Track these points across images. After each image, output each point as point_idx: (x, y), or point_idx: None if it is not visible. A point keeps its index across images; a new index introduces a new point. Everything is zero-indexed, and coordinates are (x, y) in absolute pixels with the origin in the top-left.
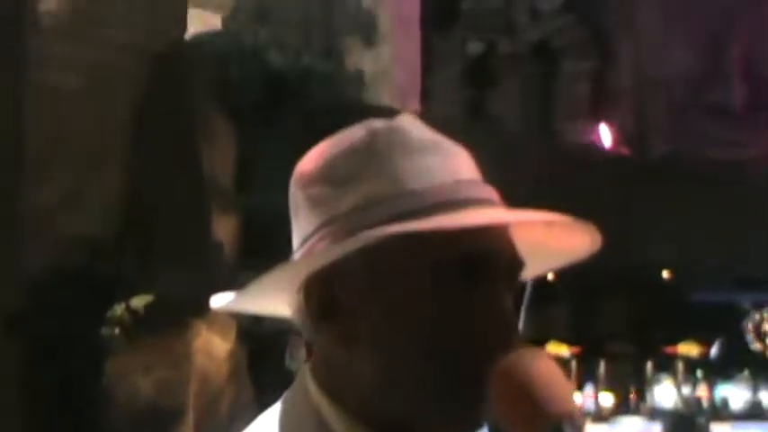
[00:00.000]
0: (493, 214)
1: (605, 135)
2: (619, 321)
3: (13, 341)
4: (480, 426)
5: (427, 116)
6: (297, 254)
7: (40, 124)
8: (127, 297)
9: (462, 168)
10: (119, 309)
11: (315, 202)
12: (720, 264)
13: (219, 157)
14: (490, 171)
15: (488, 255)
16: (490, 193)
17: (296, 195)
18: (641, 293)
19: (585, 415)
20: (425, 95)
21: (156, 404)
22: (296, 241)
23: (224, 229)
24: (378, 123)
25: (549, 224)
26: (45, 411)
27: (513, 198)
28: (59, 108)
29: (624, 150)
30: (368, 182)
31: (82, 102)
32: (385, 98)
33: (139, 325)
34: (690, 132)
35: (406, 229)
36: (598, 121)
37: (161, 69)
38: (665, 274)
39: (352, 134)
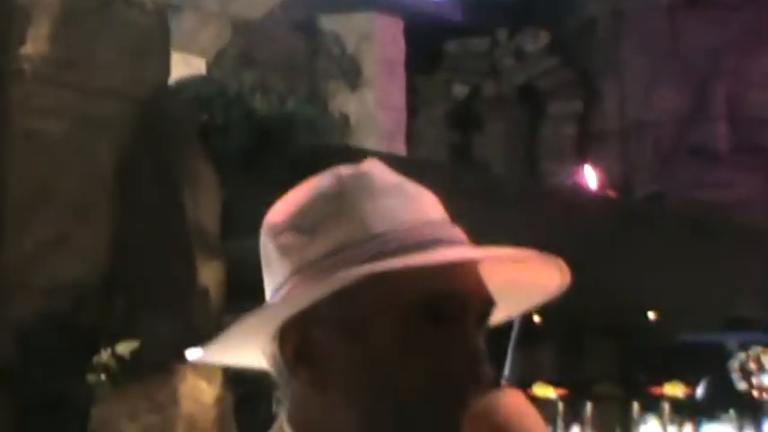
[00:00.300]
0: (460, 252)
1: (591, 177)
2: (605, 363)
3: (4, 391)
4: None
5: (412, 159)
6: (271, 300)
7: (22, 171)
8: (112, 343)
9: (429, 209)
10: (104, 355)
11: (285, 251)
12: (707, 305)
13: (204, 203)
14: (476, 213)
15: (457, 294)
16: (458, 233)
17: (266, 245)
18: (627, 335)
19: None
20: (410, 138)
21: None
22: (268, 290)
23: (209, 274)
24: (344, 169)
25: (518, 261)
26: None
27: (498, 240)
28: (42, 155)
29: (610, 192)
30: (336, 228)
31: (65, 149)
32: (370, 141)
33: (125, 371)
34: (676, 174)
35: (374, 269)
36: (584, 163)
37: (145, 114)
38: (652, 315)
39: (320, 181)
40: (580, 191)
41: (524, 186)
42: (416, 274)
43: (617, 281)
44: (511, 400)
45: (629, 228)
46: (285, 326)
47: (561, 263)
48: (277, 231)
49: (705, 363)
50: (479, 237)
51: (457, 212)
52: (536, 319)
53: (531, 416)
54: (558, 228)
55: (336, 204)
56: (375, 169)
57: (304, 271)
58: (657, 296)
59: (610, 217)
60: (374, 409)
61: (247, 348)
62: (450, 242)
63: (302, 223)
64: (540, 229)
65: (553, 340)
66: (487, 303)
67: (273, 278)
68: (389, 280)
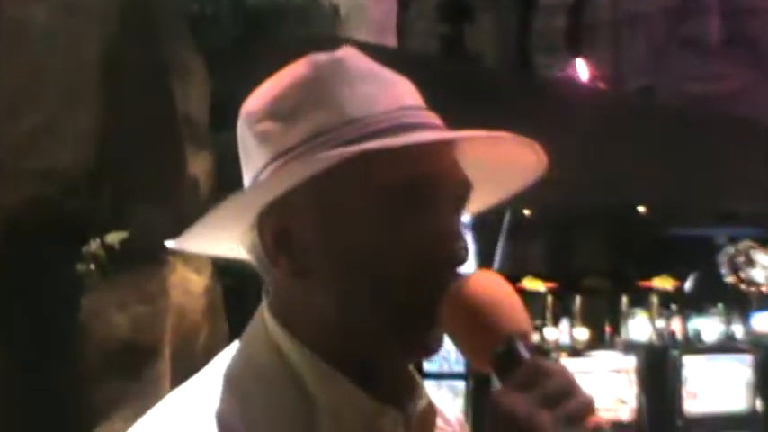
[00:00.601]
0: (436, 134)
1: (582, 70)
2: (594, 257)
3: None
4: (435, 351)
5: (403, 51)
6: (249, 187)
7: (11, 60)
8: (102, 233)
9: (405, 95)
10: (94, 245)
11: (263, 139)
12: (697, 199)
13: (193, 93)
14: (466, 106)
15: (434, 176)
16: (433, 118)
17: (244, 134)
18: (617, 229)
19: (559, 349)
20: (401, 30)
21: (133, 340)
22: (247, 179)
23: (198, 164)
24: (320, 57)
25: (494, 145)
26: (20, 348)
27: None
28: (30, 43)
29: (601, 85)
30: (313, 114)
31: (52, 37)
32: (360, 33)
33: (115, 261)
34: (667, 67)
35: (351, 151)
36: (576, 55)
37: (133, 4)
38: (642, 209)
39: (296, 69)
40: (571, 83)
41: (516, 79)
42: (393, 158)
43: (607, 174)
44: (489, 281)
45: (621, 121)
46: (264, 213)
47: (537, 146)
48: (254, 119)
49: (694, 257)
50: (470, 129)
51: (447, 106)
52: (526, 212)
53: (508, 295)
54: (548, 121)
55: (313, 91)
56: (350, 56)
57: (282, 157)
58: (648, 190)
59: (601, 110)
60: (353, 293)
61: (226, 237)
62: (426, 126)
63: (279, 110)
64: (531, 123)
65: (543, 234)
66: (464, 186)
67: (251, 166)
68: (366, 164)
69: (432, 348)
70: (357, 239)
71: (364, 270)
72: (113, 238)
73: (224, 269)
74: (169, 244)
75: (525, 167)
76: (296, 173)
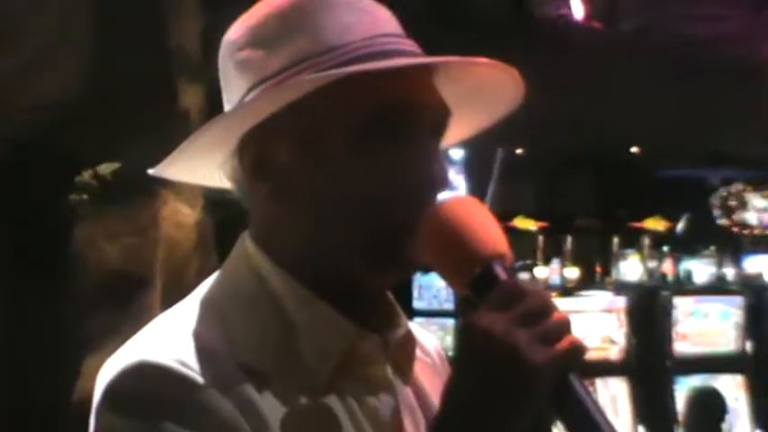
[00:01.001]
0: (415, 60)
1: (577, 8)
2: (586, 197)
3: None
4: (411, 273)
5: None
6: (228, 113)
7: None
8: (94, 164)
9: (385, 23)
10: (86, 175)
11: (243, 67)
12: (689, 140)
13: (186, 27)
14: (459, 44)
15: (411, 102)
16: (412, 45)
17: (225, 63)
18: (609, 169)
19: (550, 288)
20: None
21: (124, 270)
22: (227, 107)
23: (190, 97)
24: None
25: (472, 73)
26: (13, 278)
27: None
28: None
29: (595, 24)
30: (294, 41)
31: None
32: None
33: (107, 192)
34: (661, 7)
35: (330, 76)
36: None
37: None
38: (634, 149)
39: None
40: (566, 22)
41: (510, 17)
42: (372, 84)
43: (600, 114)
44: (466, 205)
45: (614, 61)
46: (243, 139)
47: (515, 73)
48: (235, 48)
49: (686, 198)
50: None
51: (440, 43)
52: (518, 152)
53: (486, 219)
54: (542, 60)
55: (293, 19)
56: None
57: (262, 84)
58: (641, 130)
59: (595, 50)
60: (330, 218)
61: (207, 163)
62: (404, 53)
63: (260, 38)
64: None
65: (535, 174)
66: (441, 110)
67: (232, 94)
68: (345, 90)
69: (404, 271)
70: (335, 166)
71: (342, 195)
72: (105, 169)
73: (215, 202)
74: (151, 171)
75: (504, 94)
76: (275, 98)
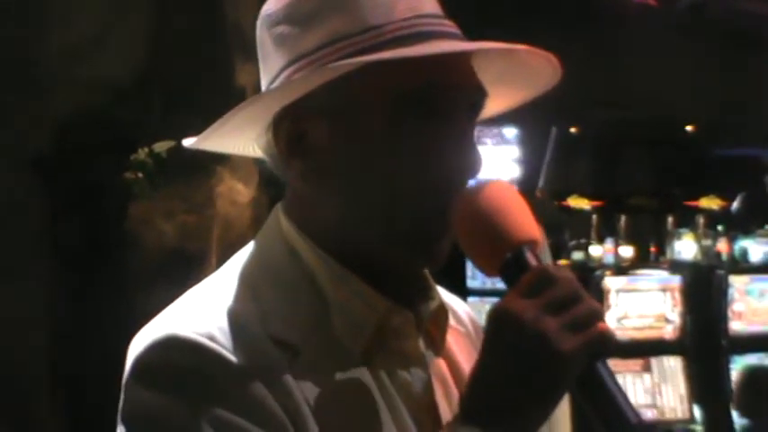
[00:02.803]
0: (453, 44)
1: None
2: (641, 176)
3: (43, 182)
4: (442, 259)
5: None
6: (265, 90)
7: None
8: (150, 142)
9: (424, 3)
10: (142, 153)
11: (280, 42)
12: (747, 118)
13: (242, 6)
14: (520, 23)
15: (449, 85)
16: (451, 26)
17: (262, 36)
18: (664, 148)
19: (604, 267)
20: None
21: (180, 248)
22: (264, 81)
23: (246, 76)
24: None
25: (510, 56)
26: (72, 255)
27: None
28: None
29: (651, 2)
30: (331, 19)
31: None
32: None
33: (163, 170)
34: None
35: (368, 60)
36: None
37: None
38: (689, 128)
39: None
40: (622, 0)
41: None
42: (410, 66)
43: (656, 92)
44: (499, 190)
45: (670, 38)
46: (279, 116)
47: (552, 57)
48: (273, 22)
49: (742, 177)
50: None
51: (503, 21)
52: (573, 130)
53: (519, 204)
54: (599, 39)
55: None
56: None
57: (299, 61)
58: (696, 109)
59: (651, 27)
60: (364, 199)
61: (244, 137)
62: (444, 35)
63: (297, 14)
64: (583, 40)
65: (589, 152)
66: (479, 93)
67: (269, 69)
68: (383, 71)
69: (437, 256)
70: (371, 145)
71: (377, 175)
72: (161, 147)
73: (270, 180)
74: (187, 142)
75: (540, 77)
76: (311, 79)
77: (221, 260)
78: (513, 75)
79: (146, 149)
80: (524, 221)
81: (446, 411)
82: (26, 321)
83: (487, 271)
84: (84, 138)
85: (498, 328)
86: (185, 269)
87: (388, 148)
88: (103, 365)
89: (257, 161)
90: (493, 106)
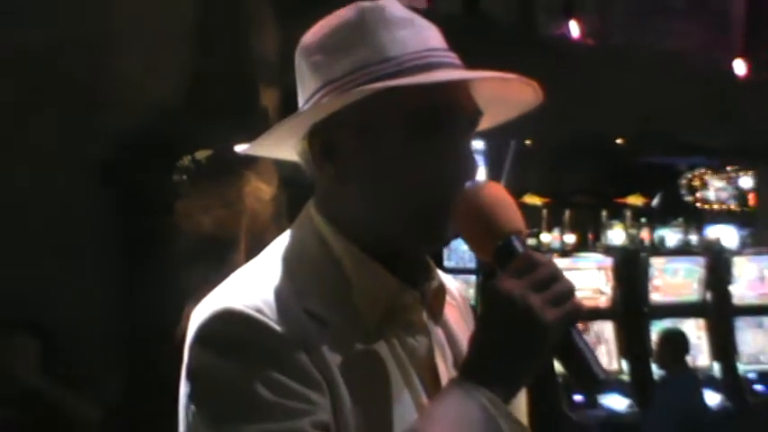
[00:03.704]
0: (455, 74)
1: (574, 29)
2: (581, 179)
3: (108, 182)
4: (446, 242)
5: (434, 10)
6: (302, 109)
7: (123, 9)
8: (192, 151)
9: (432, 39)
10: (186, 160)
11: (315, 68)
12: (664, 133)
13: (266, 41)
14: (481, 55)
15: (451, 106)
16: (454, 58)
17: (300, 63)
18: (599, 157)
19: (551, 251)
20: None
21: (215, 236)
22: (301, 100)
23: (268, 98)
24: (365, 3)
25: (501, 82)
26: (129, 241)
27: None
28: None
29: (589, 41)
30: (356, 51)
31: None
32: None
33: (202, 173)
34: (642, 26)
35: (387, 85)
36: (570, 17)
37: None
38: (619, 140)
39: (345, 12)
40: (566, 39)
41: (521, 35)
42: (420, 90)
43: (593, 112)
44: (492, 189)
45: (604, 70)
46: (313, 129)
47: (535, 84)
48: (309, 52)
49: (660, 180)
50: (479, 69)
51: (467, 54)
52: (528, 142)
53: (508, 201)
54: (546, 69)
55: (358, 31)
56: (390, 4)
57: (330, 84)
58: (625, 125)
59: (589, 61)
60: (383, 196)
61: (284, 146)
62: (449, 65)
63: (329, 46)
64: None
65: (541, 160)
66: (476, 113)
67: (305, 91)
68: (398, 94)
69: (443, 240)
70: (388, 154)
71: (393, 178)
72: (201, 154)
73: (287, 181)
74: (240, 148)
75: (524, 100)
76: (339, 100)
77: (248, 246)
78: (503, 97)
79: (188, 157)
80: (512, 216)
81: (443, 370)
82: (91, 294)
83: (481, 255)
84: (139, 147)
85: (493, 303)
86: (219, 253)
87: (401, 157)
88: (152, 331)
89: (278, 165)
90: (486, 122)
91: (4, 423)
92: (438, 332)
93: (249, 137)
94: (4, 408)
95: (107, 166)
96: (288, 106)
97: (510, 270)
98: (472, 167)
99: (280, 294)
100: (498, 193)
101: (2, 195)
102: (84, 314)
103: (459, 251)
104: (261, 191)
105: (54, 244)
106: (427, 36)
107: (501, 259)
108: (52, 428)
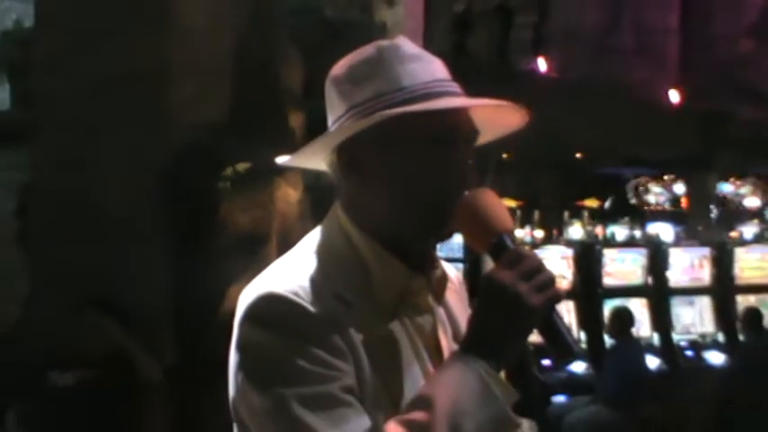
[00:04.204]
0: (457, 101)
1: (542, 65)
2: (548, 185)
3: (164, 190)
4: (450, 236)
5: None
6: (331, 128)
7: (179, 45)
8: (234, 163)
9: (439, 71)
10: (229, 170)
11: (342, 95)
12: (613, 148)
13: (293, 75)
14: (468, 88)
15: (454, 127)
16: (457, 87)
17: (330, 90)
18: (563, 167)
19: (524, 244)
20: (426, 39)
21: (251, 233)
22: (330, 120)
23: (295, 121)
24: (383, 42)
25: (495, 107)
26: (182, 237)
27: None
28: (188, 39)
29: (554, 75)
30: (375, 81)
31: (204, 37)
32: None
33: (241, 181)
34: (598, 63)
35: (401, 111)
36: (537, 55)
37: (258, 13)
38: (578, 155)
39: (366, 49)
40: (535, 74)
41: (499, 70)
42: (429, 114)
43: (558, 132)
44: (486, 195)
45: (567, 97)
46: (341, 145)
47: (523, 110)
48: (337, 81)
49: (611, 186)
50: (469, 96)
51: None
52: (505, 155)
53: (499, 205)
54: (519, 98)
55: (377, 65)
56: (403, 42)
57: (354, 109)
58: (583, 142)
59: (555, 91)
60: (399, 200)
61: (316, 158)
62: (452, 93)
63: (353, 77)
64: (507, 98)
65: (516, 169)
66: (473, 133)
67: (333, 113)
68: (412, 117)
69: (446, 236)
70: (402, 166)
71: (406, 186)
72: (241, 166)
73: (311, 186)
74: (280, 160)
75: (513, 122)
76: (362, 123)
77: (279, 241)
78: (495, 120)
79: (231, 168)
80: (504, 217)
81: (445, 343)
82: (154, 276)
83: (478, 249)
84: (192, 160)
85: (488, 290)
86: (255, 247)
87: (413, 169)
88: (201, 308)
89: (303, 174)
90: (481, 139)
91: (85, 383)
92: (441, 312)
93: (280, 152)
94: (85, 370)
95: (167, 174)
96: (312, 127)
97: (502, 262)
98: (471, 177)
99: (312, 281)
100: (492, 199)
101: (81, 200)
102: (147, 295)
103: (449, 243)
104: (289, 195)
105: (124, 238)
106: (434, 69)
107: (494, 253)
108: (127, 388)
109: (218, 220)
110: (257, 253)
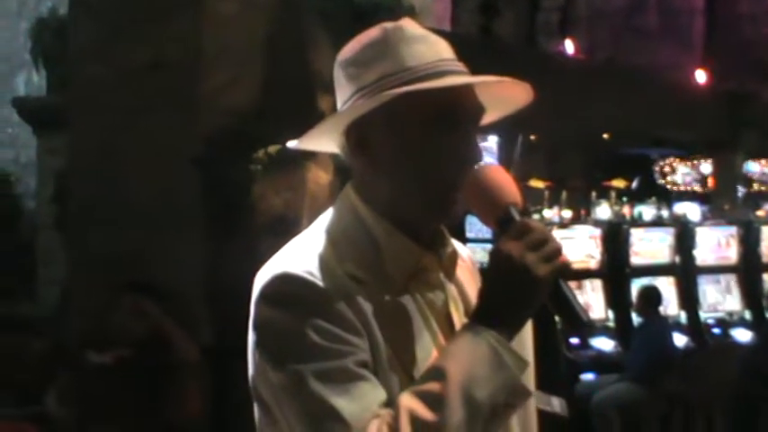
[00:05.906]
0: (461, 79)
1: (569, 46)
2: (576, 166)
3: (198, 173)
4: (457, 215)
5: (455, 33)
6: (340, 110)
7: (212, 34)
8: (265, 146)
9: (444, 51)
10: (260, 153)
11: (349, 77)
12: (641, 129)
13: (322, 58)
14: (493, 69)
15: (459, 105)
16: (462, 66)
17: (337, 73)
18: (590, 148)
19: (552, 224)
20: (454, 21)
21: (284, 214)
22: (339, 103)
23: (324, 104)
24: (388, 24)
25: (500, 85)
26: (217, 218)
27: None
28: (222, 28)
29: (581, 57)
30: (382, 62)
31: (236, 23)
32: (427, 23)
33: (273, 163)
34: (623, 45)
35: (406, 90)
36: (565, 37)
37: (285, 1)
38: (606, 135)
39: (372, 31)
40: (562, 55)
41: (526, 53)
42: (434, 93)
43: (585, 113)
44: (493, 170)
45: (593, 79)
46: (350, 126)
47: (528, 86)
48: (345, 64)
49: (638, 166)
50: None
51: (481, 68)
52: (532, 137)
53: (507, 179)
54: (547, 80)
55: (382, 47)
56: (408, 24)
57: (362, 90)
58: (611, 123)
59: (581, 72)
60: (408, 179)
61: (327, 141)
62: (456, 72)
63: (360, 59)
64: (535, 81)
65: (543, 150)
66: (479, 110)
67: (342, 95)
68: (418, 96)
69: (453, 214)
70: (410, 145)
71: (414, 164)
72: (272, 149)
73: (340, 169)
74: (291, 144)
75: (519, 99)
76: (369, 103)
77: (309, 222)
78: (501, 97)
79: (263, 151)
80: (510, 190)
81: (456, 318)
82: (191, 256)
83: (487, 223)
84: (225, 143)
85: (497, 261)
86: (286, 227)
87: (420, 147)
88: (236, 287)
89: (333, 157)
90: (489, 117)
91: (125, 362)
92: (452, 288)
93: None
94: (125, 349)
95: (202, 158)
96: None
97: (510, 234)
98: (477, 154)
99: (326, 260)
100: (498, 173)
101: (117, 185)
102: (184, 275)
103: (478, 224)
104: (319, 177)
105: (160, 221)
106: (439, 49)
107: (502, 226)
108: (166, 367)
109: (252, 203)
110: (288, 234)
